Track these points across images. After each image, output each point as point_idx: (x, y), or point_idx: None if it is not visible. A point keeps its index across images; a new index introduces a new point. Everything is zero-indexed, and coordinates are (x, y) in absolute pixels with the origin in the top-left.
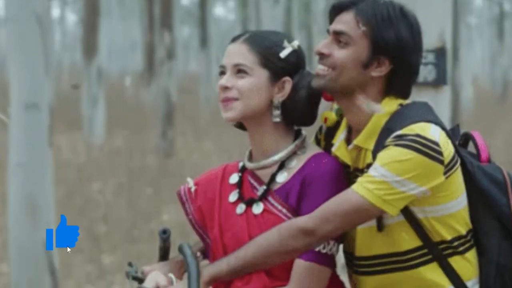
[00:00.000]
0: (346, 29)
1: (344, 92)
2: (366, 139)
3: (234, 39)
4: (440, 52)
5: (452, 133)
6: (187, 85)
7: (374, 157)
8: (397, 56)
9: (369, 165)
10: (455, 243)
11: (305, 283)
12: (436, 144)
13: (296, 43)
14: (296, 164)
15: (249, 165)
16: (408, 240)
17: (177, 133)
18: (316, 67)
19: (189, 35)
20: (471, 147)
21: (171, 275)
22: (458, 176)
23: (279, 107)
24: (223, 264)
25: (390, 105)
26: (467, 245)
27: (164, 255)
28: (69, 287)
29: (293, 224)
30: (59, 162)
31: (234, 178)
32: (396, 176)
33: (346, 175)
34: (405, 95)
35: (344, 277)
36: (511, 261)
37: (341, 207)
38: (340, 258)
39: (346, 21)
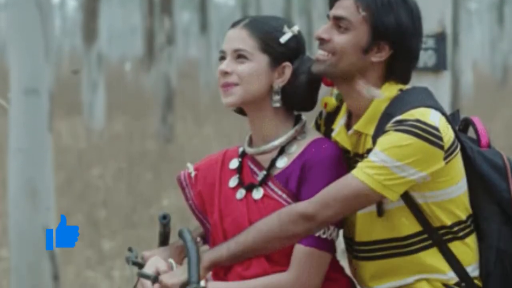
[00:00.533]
0: (346, 14)
1: (344, 77)
2: (366, 124)
3: (234, 24)
4: (440, 38)
5: (452, 118)
6: (187, 70)
7: (374, 142)
8: (397, 41)
9: (369, 150)
10: (455, 228)
11: (305, 268)
12: (436, 129)
13: (296, 28)
14: (296, 149)
15: (249, 150)
16: (408, 225)
17: (177, 118)
18: (316, 52)
19: (189, 20)
20: (471, 132)
21: (171, 260)
22: (458, 161)
23: (279, 92)
24: (223, 249)
25: (390, 90)
26: (467, 230)
27: (164, 241)
28: (69, 272)
29: (293, 209)
30: (59, 147)
31: (234, 163)
32: (396, 161)
33: (346, 160)
34: (405, 80)
35: (344, 262)
36: (511, 246)
37: (341, 192)
38: (340, 243)
39: (346, 6)
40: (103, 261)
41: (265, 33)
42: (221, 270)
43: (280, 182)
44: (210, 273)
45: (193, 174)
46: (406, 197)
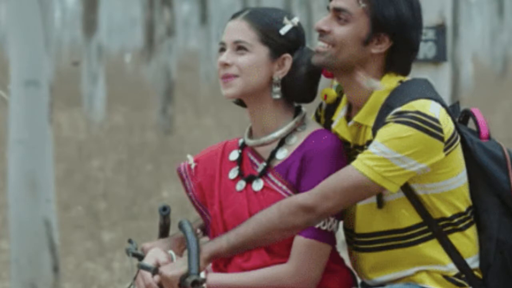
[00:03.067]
0: (346, 6)
1: (344, 69)
2: (366, 115)
3: (234, 16)
4: (440, 29)
5: (452, 110)
6: (187, 62)
7: (374, 134)
8: (397, 33)
9: (369, 142)
10: (455, 220)
11: (305, 260)
12: (436, 121)
13: (296, 20)
14: (296, 141)
15: (249, 142)
16: (408, 217)
17: (177, 110)
18: (316, 44)
19: (189, 12)
20: (471, 124)
21: (171, 252)
22: (458, 153)
23: (279, 84)
24: (223, 241)
25: (390, 82)
26: (467, 222)
27: (164, 232)
28: (69, 264)
29: (293, 201)
30: (59, 139)
31: (234, 155)
32: (396, 152)
33: (346, 152)
34: (405, 72)
35: (344, 254)
36: (510, 237)
37: (341, 184)
38: (340, 235)
39: None
40: (103, 252)
41: (265, 24)
42: (221, 262)
43: (280, 174)
44: (210, 264)
45: (193, 166)
46: (406, 189)
